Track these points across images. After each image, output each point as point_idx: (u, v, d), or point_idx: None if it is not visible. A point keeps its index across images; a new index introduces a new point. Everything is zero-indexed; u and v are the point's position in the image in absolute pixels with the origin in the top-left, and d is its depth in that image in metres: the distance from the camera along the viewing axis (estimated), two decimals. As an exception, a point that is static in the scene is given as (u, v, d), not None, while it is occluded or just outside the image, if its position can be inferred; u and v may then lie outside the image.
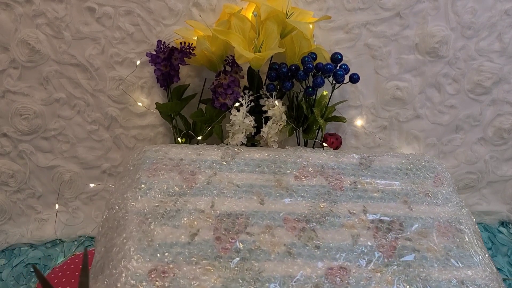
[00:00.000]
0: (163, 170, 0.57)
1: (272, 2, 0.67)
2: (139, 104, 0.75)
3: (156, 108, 0.72)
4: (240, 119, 0.69)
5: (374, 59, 0.75)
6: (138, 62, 0.73)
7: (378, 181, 0.60)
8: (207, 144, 0.65)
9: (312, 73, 0.68)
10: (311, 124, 0.72)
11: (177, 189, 0.54)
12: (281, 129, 0.71)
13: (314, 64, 0.67)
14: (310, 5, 0.72)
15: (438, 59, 0.75)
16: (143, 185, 0.54)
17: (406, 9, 0.72)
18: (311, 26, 0.70)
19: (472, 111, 0.79)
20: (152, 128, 0.78)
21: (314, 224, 0.53)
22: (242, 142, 0.70)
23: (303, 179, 0.58)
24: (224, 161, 0.59)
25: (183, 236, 0.49)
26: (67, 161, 0.79)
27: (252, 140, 0.74)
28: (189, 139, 0.74)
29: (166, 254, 0.47)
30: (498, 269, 0.75)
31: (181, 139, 0.72)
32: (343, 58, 0.68)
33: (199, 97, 0.75)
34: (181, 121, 0.74)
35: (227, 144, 0.69)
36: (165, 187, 0.54)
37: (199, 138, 0.71)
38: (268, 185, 0.57)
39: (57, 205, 0.80)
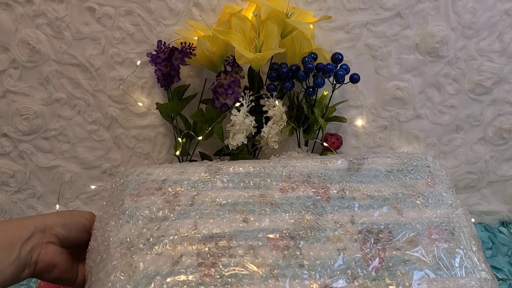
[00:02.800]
0: (145, 194, 0.54)
1: (273, 2, 0.67)
2: (140, 104, 0.75)
3: (156, 108, 0.72)
4: (240, 119, 0.69)
5: (375, 59, 0.75)
6: (138, 62, 0.73)
7: (366, 186, 0.56)
8: (190, 161, 0.63)
9: (313, 73, 0.68)
10: (311, 124, 0.72)
11: (159, 214, 0.52)
12: (281, 129, 0.71)
13: (315, 64, 0.67)
14: (311, 5, 0.72)
15: (439, 59, 0.75)
16: (125, 213, 0.52)
17: (406, 9, 0.72)
18: (311, 26, 0.70)
19: (472, 111, 0.79)
20: (153, 128, 0.78)
21: (299, 240, 0.50)
22: (242, 142, 0.70)
23: (289, 191, 0.55)
24: (208, 179, 0.56)
25: (164, 266, 0.47)
26: (67, 161, 0.79)
27: (253, 140, 0.74)
28: (190, 139, 0.74)
29: (148, 287, 0.46)
30: (498, 269, 0.75)
31: (182, 139, 0.72)
32: (344, 58, 0.68)
33: (200, 97, 0.75)
34: (182, 121, 0.74)
35: (224, 147, 0.69)
36: (147, 213, 0.52)
37: (200, 138, 0.71)
38: (252, 202, 0.54)
39: (57, 205, 0.80)
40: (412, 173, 0.58)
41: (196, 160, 0.75)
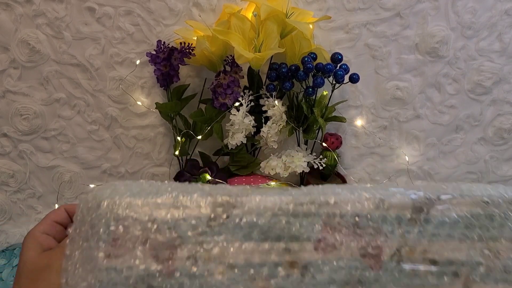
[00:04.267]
0: (127, 247, 0.37)
1: (272, 2, 0.67)
2: (139, 103, 0.75)
3: (156, 108, 0.72)
4: (240, 119, 0.69)
5: (374, 59, 0.75)
6: (138, 62, 0.73)
7: (436, 250, 0.39)
8: (190, 182, 0.45)
9: (312, 73, 0.68)
10: (311, 124, 0.72)
11: (150, 284, 0.36)
12: (281, 129, 0.71)
13: (314, 64, 0.67)
14: (310, 5, 0.72)
15: (438, 59, 0.75)
16: (98, 278, 0.36)
17: (406, 9, 0.72)
18: (311, 26, 0.70)
19: (472, 111, 0.79)
20: (152, 128, 0.78)
21: None
22: (242, 142, 0.70)
23: (328, 249, 0.38)
24: (214, 223, 0.38)
25: None
26: (67, 161, 0.79)
27: (252, 140, 0.74)
28: (189, 139, 0.74)
29: None
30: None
31: (181, 138, 0.72)
32: (343, 58, 0.68)
33: (199, 97, 0.75)
34: (181, 121, 0.74)
35: (223, 147, 0.69)
36: (131, 283, 0.36)
37: (199, 137, 0.71)
38: (276, 261, 0.38)
39: (57, 205, 0.80)
40: (504, 228, 0.39)
41: (195, 160, 0.75)
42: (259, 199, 0.39)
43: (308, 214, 0.39)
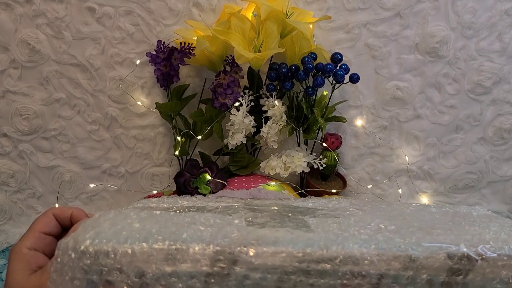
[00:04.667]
0: None
1: (272, 2, 0.67)
2: (139, 103, 0.75)
3: (156, 108, 0.72)
4: (240, 119, 0.69)
5: (374, 59, 0.75)
6: (137, 62, 0.73)
7: None
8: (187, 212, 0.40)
9: (312, 73, 0.68)
10: (311, 124, 0.72)
11: None
12: (281, 129, 0.71)
13: (314, 64, 0.67)
14: (310, 5, 0.72)
15: (438, 59, 0.75)
16: None
17: (406, 9, 0.72)
18: (311, 26, 0.70)
19: (472, 111, 0.79)
20: (152, 128, 0.78)
21: None
22: (242, 142, 0.70)
23: None
24: (214, 281, 0.33)
25: None
26: (67, 161, 0.79)
27: (252, 140, 0.74)
28: (189, 139, 0.74)
29: None
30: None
31: (181, 138, 0.72)
32: (343, 58, 0.68)
33: (199, 97, 0.75)
34: (181, 121, 0.74)
35: (223, 147, 0.69)
36: None
37: (199, 137, 0.71)
38: None
39: (57, 205, 0.80)
40: None
41: (195, 160, 0.75)
42: (265, 252, 0.33)
43: (324, 273, 0.33)
